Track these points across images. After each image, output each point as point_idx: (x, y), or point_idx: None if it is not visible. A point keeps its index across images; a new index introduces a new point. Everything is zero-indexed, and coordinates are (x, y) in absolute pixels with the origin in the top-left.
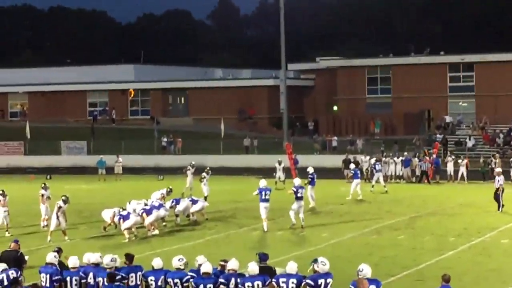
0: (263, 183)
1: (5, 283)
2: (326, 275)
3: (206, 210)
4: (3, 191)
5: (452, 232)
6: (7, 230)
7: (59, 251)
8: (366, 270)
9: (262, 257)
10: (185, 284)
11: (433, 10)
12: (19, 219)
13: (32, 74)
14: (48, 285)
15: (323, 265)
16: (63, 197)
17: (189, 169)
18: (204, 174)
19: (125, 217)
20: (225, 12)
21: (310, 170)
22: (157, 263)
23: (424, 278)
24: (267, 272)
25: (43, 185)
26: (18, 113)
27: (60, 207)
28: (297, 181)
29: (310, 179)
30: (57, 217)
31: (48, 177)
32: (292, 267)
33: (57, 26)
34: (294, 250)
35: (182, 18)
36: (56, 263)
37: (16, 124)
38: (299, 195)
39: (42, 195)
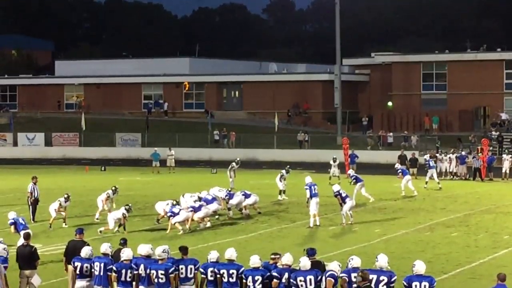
0: (308, 179)
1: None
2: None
3: (259, 204)
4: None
5: (506, 230)
6: (64, 222)
7: (124, 243)
8: (418, 266)
9: (310, 252)
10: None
11: (493, 6)
12: (74, 210)
13: (88, 66)
14: (102, 274)
15: (376, 261)
16: (113, 188)
17: (232, 167)
18: (283, 172)
19: (175, 214)
20: (280, 7)
21: (351, 172)
22: (212, 255)
23: (478, 276)
24: (316, 266)
25: (113, 188)
26: (74, 104)
27: (108, 197)
28: (336, 187)
29: (354, 180)
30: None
31: (103, 168)
32: (357, 262)
33: (114, 19)
34: (346, 246)
35: (237, 12)
36: (110, 253)
37: (72, 116)
38: (343, 195)
39: (108, 196)
